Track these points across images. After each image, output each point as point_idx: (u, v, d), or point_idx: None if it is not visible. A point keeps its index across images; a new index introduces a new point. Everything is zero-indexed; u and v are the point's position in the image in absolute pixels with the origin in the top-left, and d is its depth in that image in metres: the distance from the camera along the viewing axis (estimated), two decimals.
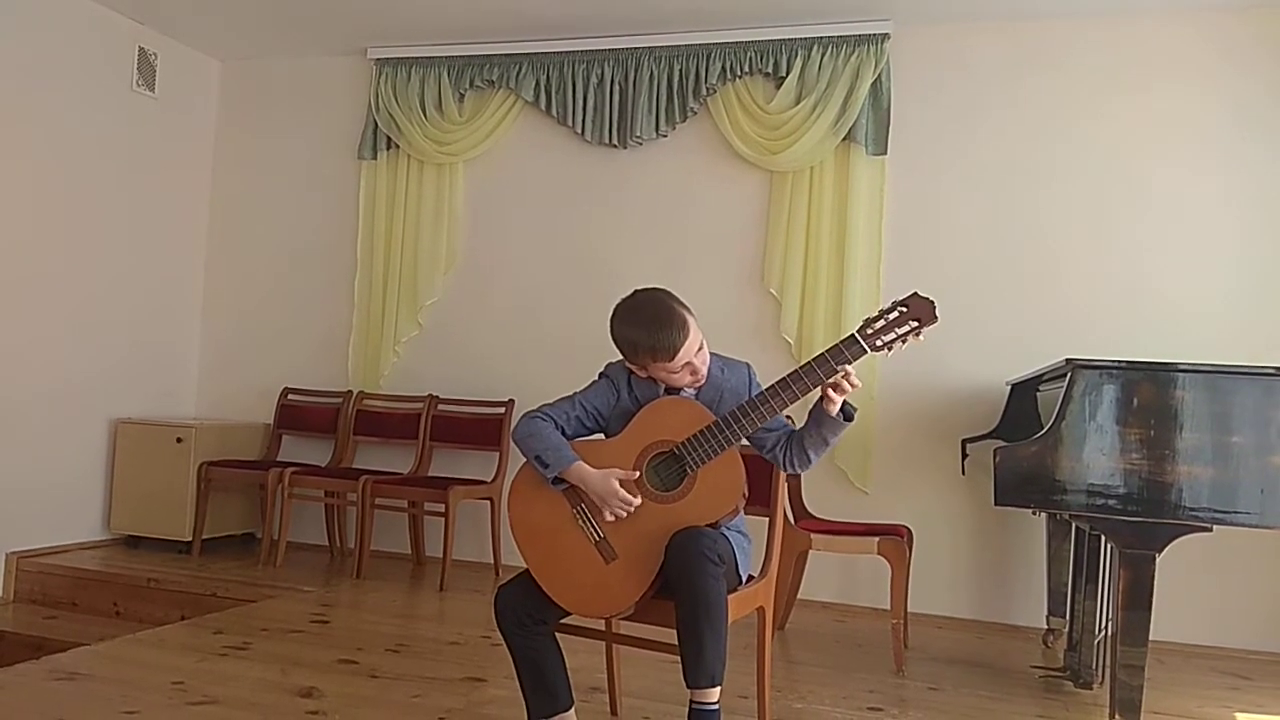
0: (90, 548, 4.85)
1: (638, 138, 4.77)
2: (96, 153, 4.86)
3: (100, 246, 4.90)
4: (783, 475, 2.60)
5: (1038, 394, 3.64)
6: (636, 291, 2.42)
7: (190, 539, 4.81)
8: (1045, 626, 4.01)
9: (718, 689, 2.18)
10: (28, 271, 4.54)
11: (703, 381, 2.42)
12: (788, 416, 2.44)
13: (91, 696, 2.78)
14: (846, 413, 2.34)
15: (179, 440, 4.85)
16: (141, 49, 5.07)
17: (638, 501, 2.30)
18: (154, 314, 5.25)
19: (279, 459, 5.17)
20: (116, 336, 5.01)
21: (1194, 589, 3.95)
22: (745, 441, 2.37)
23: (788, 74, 4.56)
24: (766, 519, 2.61)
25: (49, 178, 4.64)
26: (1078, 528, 3.48)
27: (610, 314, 2.40)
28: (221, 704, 2.75)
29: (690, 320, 2.34)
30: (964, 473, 4.19)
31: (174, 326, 5.39)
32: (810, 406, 2.37)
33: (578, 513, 2.34)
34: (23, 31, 4.47)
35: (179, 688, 2.86)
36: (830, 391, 2.28)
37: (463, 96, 5.10)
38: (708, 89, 4.67)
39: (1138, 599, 2.71)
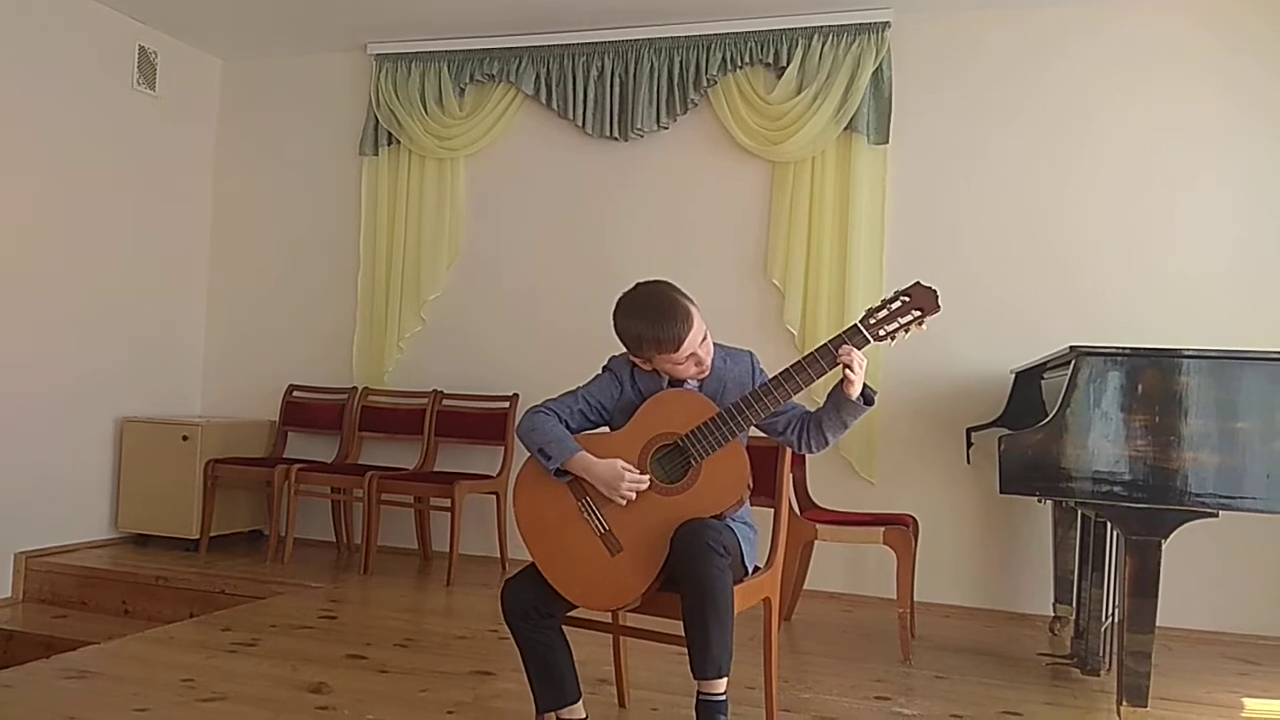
0: (98, 546, 4.87)
1: (639, 130, 4.77)
2: (98, 152, 4.86)
3: (103, 246, 4.90)
4: (788, 466, 2.61)
5: (1042, 382, 3.64)
6: (639, 284, 2.42)
7: (198, 537, 4.82)
8: (1052, 614, 4.01)
9: (725, 680, 2.19)
10: (30, 271, 4.55)
11: (707, 373, 2.42)
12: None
13: (102, 695, 2.79)
14: (867, 396, 2.34)
15: (185, 438, 4.86)
16: (142, 48, 5.07)
17: (646, 480, 2.30)
18: (158, 313, 5.26)
19: (285, 456, 5.18)
20: (121, 335, 5.01)
21: (1201, 575, 3.94)
22: (754, 429, 2.37)
23: (788, 64, 4.55)
24: (772, 510, 2.61)
25: (50, 177, 4.64)
26: (1083, 515, 3.47)
27: (613, 307, 2.40)
28: (231, 700, 2.76)
29: (693, 311, 2.35)
30: (969, 461, 4.19)
31: (178, 325, 5.40)
32: (830, 389, 2.37)
33: (583, 505, 2.35)
34: (22, 31, 4.47)
35: (189, 685, 2.87)
36: (848, 375, 2.28)
37: (463, 91, 5.10)
38: (708, 80, 4.66)
39: (1144, 585, 2.70)
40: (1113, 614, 3.26)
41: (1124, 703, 2.73)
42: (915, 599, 3.67)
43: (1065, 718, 2.93)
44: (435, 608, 4.06)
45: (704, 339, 2.37)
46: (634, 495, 2.30)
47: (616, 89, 4.82)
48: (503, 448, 4.78)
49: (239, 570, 4.47)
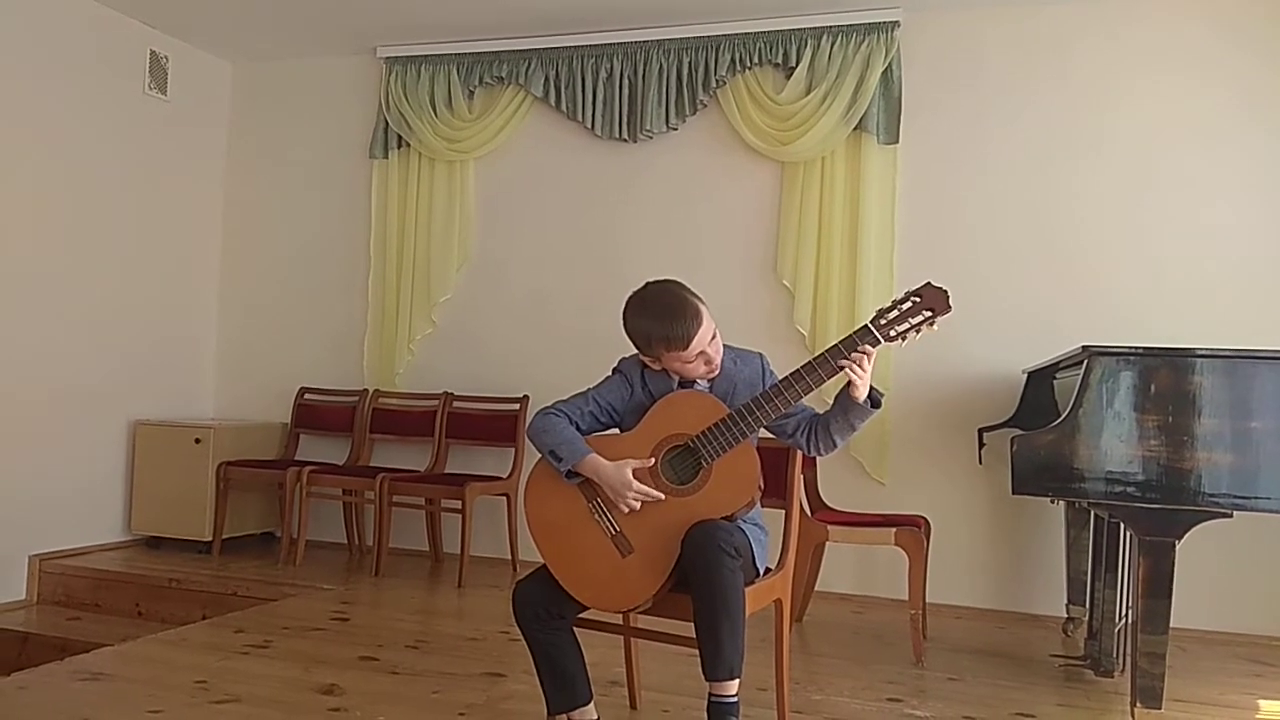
0: (112, 549, 4.89)
1: (648, 131, 4.77)
2: (110, 156, 4.89)
3: (115, 249, 4.93)
4: (799, 467, 2.60)
5: (1054, 382, 3.62)
6: (648, 283, 2.42)
7: (210, 539, 4.84)
8: (1065, 615, 3.99)
9: (736, 681, 2.19)
10: (43, 275, 4.57)
11: (717, 372, 2.42)
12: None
13: (115, 696, 2.80)
14: (874, 399, 2.33)
15: (197, 441, 4.88)
16: (153, 52, 5.10)
17: (653, 493, 2.30)
18: (170, 316, 5.28)
19: (297, 458, 5.20)
20: (133, 339, 5.04)
21: (1215, 576, 3.92)
22: (764, 431, 2.37)
23: (797, 64, 4.54)
24: (783, 511, 2.60)
25: (62, 182, 4.66)
26: (1096, 515, 3.46)
27: (623, 306, 2.40)
28: (244, 702, 2.77)
29: (703, 309, 2.35)
30: (981, 462, 4.17)
31: (190, 328, 5.43)
32: (837, 392, 2.37)
33: (593, 507, 2.35)
34: (34, 36, 4.50)
35: (202, 687, 2.88)
36: (854, 378, 2.27)
37: (472, 93, 5.11)
38: (717, 81, 4.66)
39: (1158, 586, 2.69)
40: (1126, 615, 3.24)
41: (1138, 704, 2.72)
42: (927, 600, 3.65)
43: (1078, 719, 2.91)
44: (447, 609, 4.06)
45: (713, 337, 2.37)
46: (638, 506, 2.30)
47: (625, 90, 4.82)
48: (513, 449, 4.79)
49: (251, 572, 4.48)
